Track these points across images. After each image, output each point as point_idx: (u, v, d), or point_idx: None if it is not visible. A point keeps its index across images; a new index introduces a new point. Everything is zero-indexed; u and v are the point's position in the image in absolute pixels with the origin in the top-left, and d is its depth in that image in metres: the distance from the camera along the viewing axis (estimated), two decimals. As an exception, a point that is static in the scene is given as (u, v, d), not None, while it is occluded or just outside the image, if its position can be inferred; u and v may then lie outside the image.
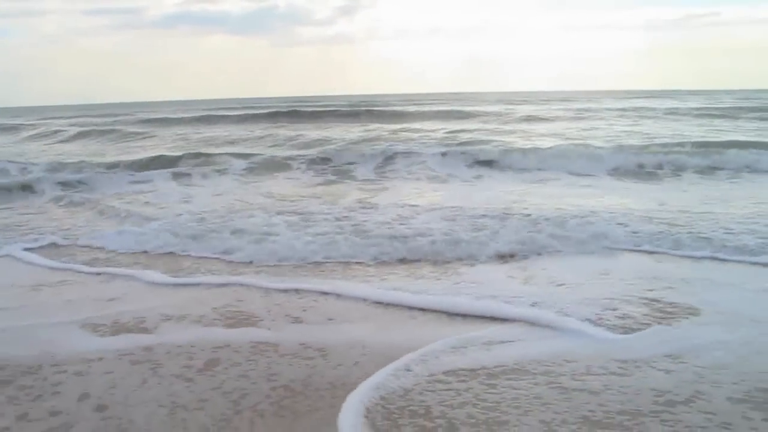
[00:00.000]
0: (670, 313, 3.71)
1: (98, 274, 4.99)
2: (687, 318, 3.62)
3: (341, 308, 4.00)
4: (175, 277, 4.80)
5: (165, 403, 2.81)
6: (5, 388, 3.00)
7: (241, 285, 4.52)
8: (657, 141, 12.65)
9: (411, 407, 2.67)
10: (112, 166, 12.03)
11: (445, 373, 2.98)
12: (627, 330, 3.46)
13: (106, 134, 21.04)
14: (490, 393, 2.78)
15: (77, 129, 22.93)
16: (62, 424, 2.67)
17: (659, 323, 3.54)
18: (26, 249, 5.75)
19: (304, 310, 3.95)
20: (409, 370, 3.01)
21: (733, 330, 3.41)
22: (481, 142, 14.05)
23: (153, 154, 13.45)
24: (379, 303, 4.02)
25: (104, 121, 27.94)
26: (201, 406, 2.76)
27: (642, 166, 10.17)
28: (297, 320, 3.79)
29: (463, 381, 2.89)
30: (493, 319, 3.67)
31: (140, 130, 21.61)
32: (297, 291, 4.33)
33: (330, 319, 3.80)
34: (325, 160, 11.79)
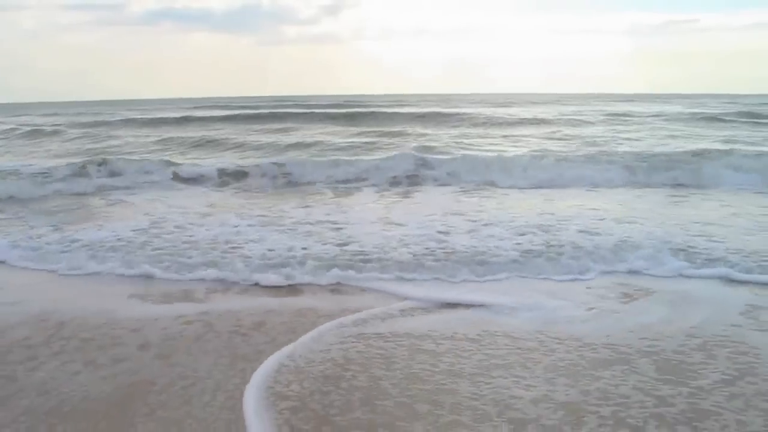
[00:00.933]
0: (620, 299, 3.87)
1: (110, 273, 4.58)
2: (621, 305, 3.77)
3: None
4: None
5: (225, 354, 3.03)
6: (69, 341, 3.21)
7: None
8: (632, 149, 12.17)
9: (303, 358, 2.97)
10: (80, 169, 9.88)
11: (356, 336, 3.25)
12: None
13: (59, 134, 18.13)
14: (356, 351, 3.05)
15: (29, 128, 19.68)
16: (128, 369, 2.89)
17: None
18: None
19: (339, 283, 4.21)
20: (339, 329, 3.33)
21: (647, 314, 3.58)
22: (458, 147, 13.21)
23: (115, 156, 11.44)
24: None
25: (73, 121, 23.98)
26: (258, 357, 2.98)
27: (629, 171, 9.41)
28: (335, 291, 4.08)
29: (355, 342, 3.17)
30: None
31: (110, 132, 18.86)
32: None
33: (363, 290, 4.09)
34: (297, 167, 10.07)
